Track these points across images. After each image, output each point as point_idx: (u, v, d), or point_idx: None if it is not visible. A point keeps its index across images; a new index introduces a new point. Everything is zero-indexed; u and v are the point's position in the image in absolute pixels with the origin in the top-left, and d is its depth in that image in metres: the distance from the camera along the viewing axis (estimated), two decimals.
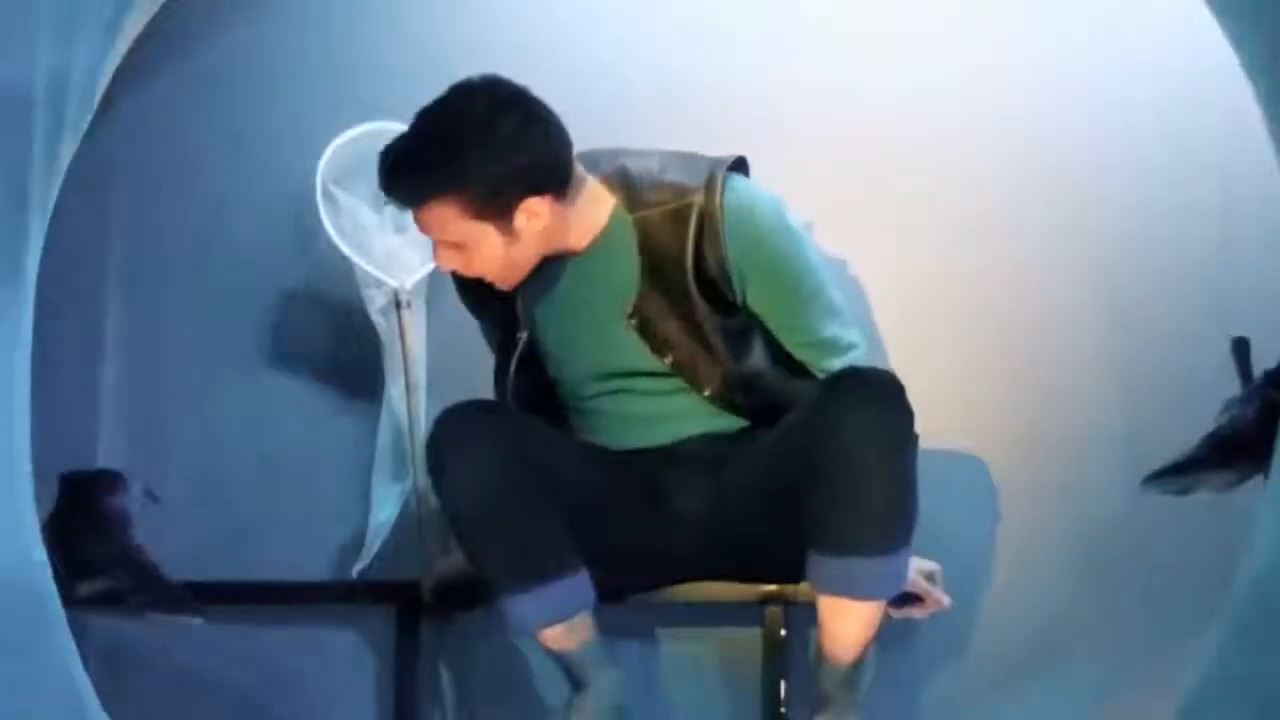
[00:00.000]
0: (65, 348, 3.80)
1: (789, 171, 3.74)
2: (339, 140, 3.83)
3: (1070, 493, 3.80)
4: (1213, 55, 3.33)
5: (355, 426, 3.92)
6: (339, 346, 3.94)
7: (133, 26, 3.17)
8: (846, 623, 3.24)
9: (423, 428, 3.81)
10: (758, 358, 3.39)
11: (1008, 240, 3.88)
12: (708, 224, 3.33)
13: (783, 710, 3.63)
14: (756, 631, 3.65)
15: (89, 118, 3.09)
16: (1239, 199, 3.79)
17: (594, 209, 3.39)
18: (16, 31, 2.94)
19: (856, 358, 3.37)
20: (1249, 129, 3.27)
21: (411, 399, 3.80)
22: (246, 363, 3.98)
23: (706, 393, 3.39)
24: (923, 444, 3.24)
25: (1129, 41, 3.86)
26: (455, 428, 3.28)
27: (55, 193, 3.04)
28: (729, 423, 3.42)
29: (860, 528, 3.15)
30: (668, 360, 3.39)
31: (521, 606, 3.28)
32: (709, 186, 3.35)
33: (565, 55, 3.94)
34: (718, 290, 3.35)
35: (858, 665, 3.29)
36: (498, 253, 3.33)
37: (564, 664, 3.36)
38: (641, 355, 3.40)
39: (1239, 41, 3.16)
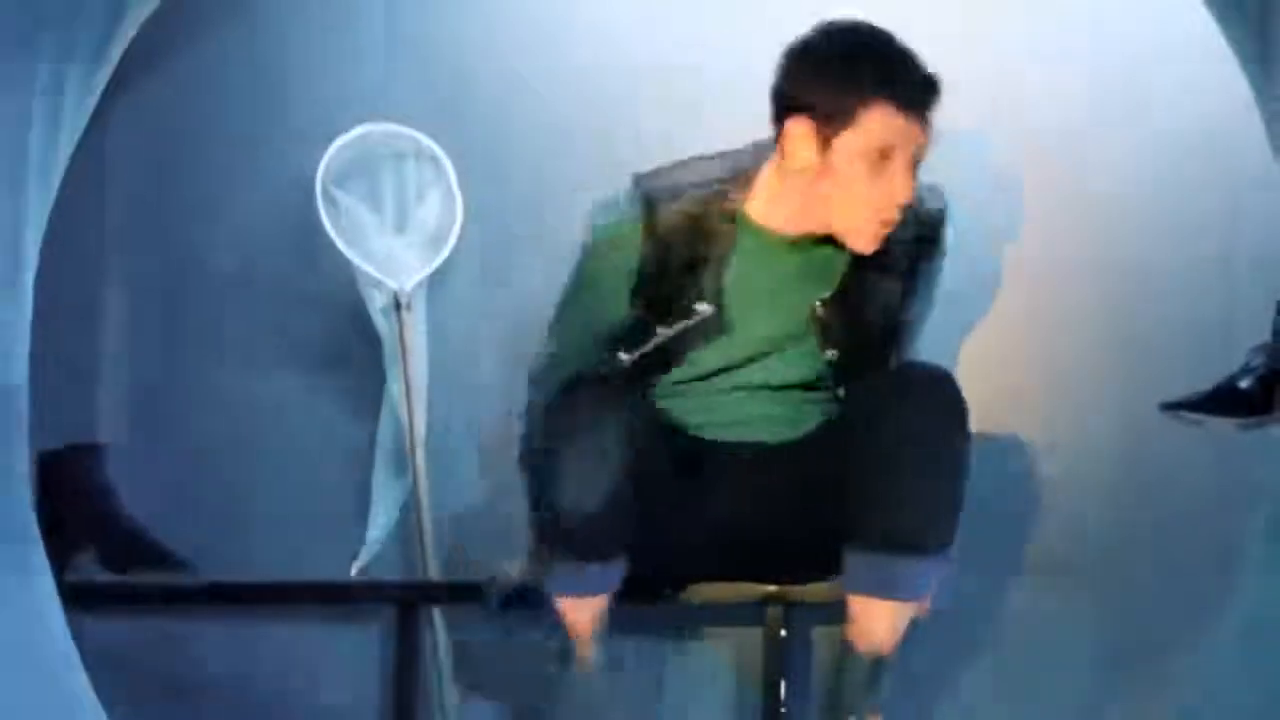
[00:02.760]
0: (64, 349, 3.80)
1: None
2: (339, 140, 3.84)
3: (1069, 494, 3.81)
4: (1210, 46, 3.34)
5: (355, 426, 3.93)
6: (339, 346, 3.94)
7: (132, 24, 3.18)
8: (879, 620, 3.20)
9: (423, 428, 3.81)
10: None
11: (1004, 245, 3.88)
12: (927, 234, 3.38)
13: (783, 710, 3.62)
14: (757, 631, 3.65)
15: (89, 111, 3.10)
16: (1244, 212, 3.79)
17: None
18: (17, 28, 2.95)
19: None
20: (1250, 122, 3.28)
21: (411, 399, 3.81)
22: (246, 362, 3.98)
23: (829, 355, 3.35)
24: None
25: (1129, 37, 3.87)
26: (588, 394, 3.21)
27: (54, 191, 3.04)
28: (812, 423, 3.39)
29: (903, 524, 3.12)
30: (829, 354, 3.35)
31: (563, 575, 3.26)
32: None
33: (565, 53, 3.95)
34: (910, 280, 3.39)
35: (882, 662, 3.24)
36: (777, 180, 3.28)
37: (562, 635, 3.34)
38: (810, 338, 3.35)
39: (1233, 35, 3.19)
